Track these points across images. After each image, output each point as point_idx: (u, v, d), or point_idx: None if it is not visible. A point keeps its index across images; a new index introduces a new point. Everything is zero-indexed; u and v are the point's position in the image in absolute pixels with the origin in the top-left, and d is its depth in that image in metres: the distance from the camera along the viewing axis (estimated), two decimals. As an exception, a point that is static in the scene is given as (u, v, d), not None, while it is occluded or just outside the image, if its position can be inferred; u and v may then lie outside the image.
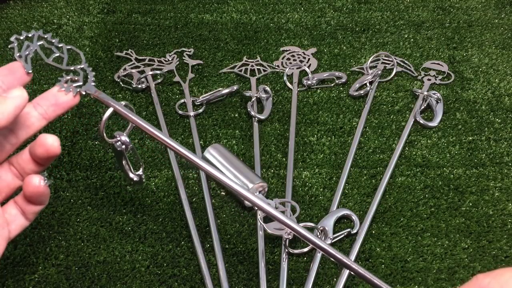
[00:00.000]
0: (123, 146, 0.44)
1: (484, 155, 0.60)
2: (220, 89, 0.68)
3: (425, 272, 0.49)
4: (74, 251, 0.51)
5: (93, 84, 0.43)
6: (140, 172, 0.48)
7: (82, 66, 0.43)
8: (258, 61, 0.75)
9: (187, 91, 0.69)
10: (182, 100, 0.68)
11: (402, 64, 0.74)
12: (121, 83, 0.70)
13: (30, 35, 0.42)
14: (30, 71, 0.41)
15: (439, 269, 0.49)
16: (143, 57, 0.75)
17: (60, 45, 0.43)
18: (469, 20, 0.83)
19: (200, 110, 0.66)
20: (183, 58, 0.75)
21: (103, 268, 0.50)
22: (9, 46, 0.41)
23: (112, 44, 0.78)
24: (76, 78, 0.42)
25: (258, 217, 0.51)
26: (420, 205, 0.55)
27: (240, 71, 0.73)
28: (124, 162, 0.46)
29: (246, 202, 0.54)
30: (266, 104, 0.66)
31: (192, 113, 0.65)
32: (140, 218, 0.54)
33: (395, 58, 0.74)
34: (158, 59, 0.75)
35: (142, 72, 0.71)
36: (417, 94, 0.68)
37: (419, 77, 0.72)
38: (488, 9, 0.85)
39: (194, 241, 0.51)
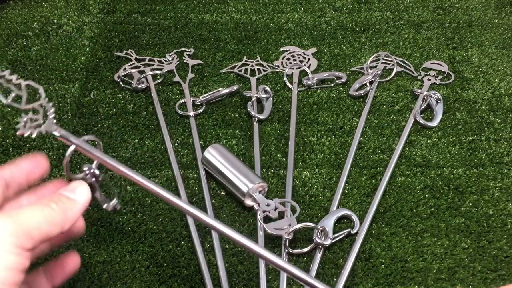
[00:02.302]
0: (93, 179, 0.41)
1: (484, 155, 0.60)
2: (220, 89, 0.68)
3: (425, 272, 0.49)
4: (74, 251, 0.51)
5: (54, 121, 0.40)
6: (114, 201, 0.44)
7: (40, 103, 0.40)
8: (258, 61, 0.75)
9: (187, 91, 0.69)
10: (182, 100, 0.68)
11: (402, 64, 0.74)
12: (121, 83, 0.70)
13: None
14: None
15: (439, 269, 0.49)
16: (143, 57, 0.75)
17: (17, 82, 0.39)
18: (469, 20, 0.83)
19: (200, 110, 0.66)
20: (183, 58, 0.75)
21: (103, 268, 0.50)
22: None
23: (112, 44, 0.78)
24: (35, 117, 0.40)
25: (258, 217, 0.51)
26: (420, 205, 0.55)
27: (240, 71, 0.73)
28: (96, 195, 0.43)
29: (246, 202, 0.54)
30: (266, 104, 0.66)
31: (192, 113, 0.65)
32: (140, 218, 0.54)
33: (395, 58, 0.74)
34: (158, 59, 0.75)
35: (142, 72, 0.71)
36: (417, 94, 0.68)
37: (419, 77, 0.72)
38: (488, 9, 0.85)
39: (194, 241, 0.51)
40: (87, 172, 0.41)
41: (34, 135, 0.39)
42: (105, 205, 0.44)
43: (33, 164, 0.39)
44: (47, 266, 0.40)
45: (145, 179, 0.40)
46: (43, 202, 0.35)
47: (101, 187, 0.42)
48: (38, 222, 0.32)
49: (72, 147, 0.39)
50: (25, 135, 0.39)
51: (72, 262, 0.40)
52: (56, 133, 0.40)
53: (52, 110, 0.40)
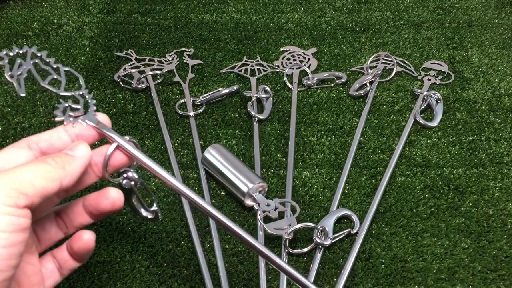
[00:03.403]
0: (132, 183, 0.39)
1: (484, 155, 0.60)
2: (220, 89, 0.68)
3: (425, 272, 0.49)
4: (74, 251, 0.51)
5: (95, 114, 0.38)
6: (154, 207, 0.43)
7: (81, 92, 0.38)
8: (258, 61, 0.75)
9: (187, 91, 0.69)
10: (182, 100, 0.68)
11: (402, 64, 0.74)
12: (121, 83, 0.70)
13: (22, 51, 0.36)
14: (23, 94, 0.36)
15: (439, 269, 0.49)
16: (143, 57, 0.75)
17: (56, 66, 0.37)
18: (469, 20, 0.83)
19: (200, 110, 0.66)
20: (183, 58, 0.75)
21: (103, 268, 0.50)
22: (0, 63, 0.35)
23: (112, 44, 0.78)
24: (76, 106, 0.37)
25: (258, 217, 0.51)
26: (420, 205, 0.55)
27: (240, 71, 0.73)
28: (134, 200, 0.41)
29: (246, 202, 0.54)
30: (266, 104, 0.66)
31: (192, 113, 0.65)
32: (140, 218, 0.54)
33: (395, 58, 0.74)
34: (158, 59, 0.75)
35: (142, 72, 0.71)
36: (417, 94, 0.68)
37: (419, 77, 0.72)
38: (488, 9, 0.85)
39: (194, 241, 0.51)
40: (125, 175, 0.39)
41: (74, 125, 0.37)
42: (144, 212, 0.43)
43: (83, 127, 0.37)
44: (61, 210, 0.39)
45: (193, 192, 0.38)
46: (38, 159, 0.34)
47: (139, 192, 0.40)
48: (31, 178, 0.31)
49: (114, 145, 0.37)
50: (65, 123, 0.37)
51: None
52: (98, 127, 0.37)
53: (94, 102, 0.38)
